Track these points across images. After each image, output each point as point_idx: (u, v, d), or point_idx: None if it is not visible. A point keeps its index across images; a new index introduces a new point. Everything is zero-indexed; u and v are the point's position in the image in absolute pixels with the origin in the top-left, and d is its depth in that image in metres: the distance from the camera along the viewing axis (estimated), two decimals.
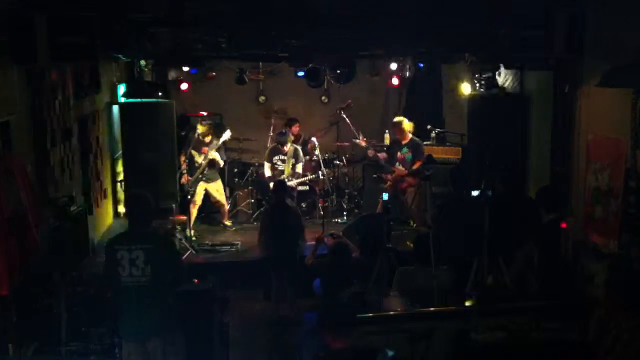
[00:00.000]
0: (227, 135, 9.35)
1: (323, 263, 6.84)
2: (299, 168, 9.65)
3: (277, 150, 9.61)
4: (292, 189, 9.29)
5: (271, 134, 10.88)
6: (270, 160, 9.65)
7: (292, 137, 9.85)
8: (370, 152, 9.39)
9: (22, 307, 5.21)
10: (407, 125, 9.13)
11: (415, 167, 9.01)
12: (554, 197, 6.07)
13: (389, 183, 9.16)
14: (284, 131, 9.79)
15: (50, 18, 5.25)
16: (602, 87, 5.72)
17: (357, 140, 9.63)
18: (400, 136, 9.13)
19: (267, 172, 9.65)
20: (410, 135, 9.13)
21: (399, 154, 9.14)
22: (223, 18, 6.42)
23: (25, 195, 5.21)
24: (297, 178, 9.55)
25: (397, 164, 9.11)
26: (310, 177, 9.74)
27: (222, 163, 9.44)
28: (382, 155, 9.40)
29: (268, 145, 10.42)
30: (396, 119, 9.37)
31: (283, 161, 9.58)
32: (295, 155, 9.62)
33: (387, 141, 10.28)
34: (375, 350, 3.85)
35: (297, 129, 10.54)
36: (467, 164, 8.76)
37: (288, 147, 9.52)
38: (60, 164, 6.63)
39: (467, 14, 6.33)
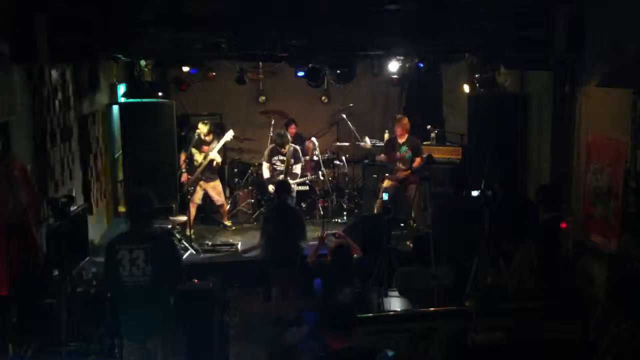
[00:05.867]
0: (229, 135, 9.35)
1: (323, 263, 6.85)
2: (298, 169, 9.64)
3: (276, 150, 9.60)
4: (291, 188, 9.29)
5: (271, 134, 10.88)
6: (269, 161, 9.64)
7: (290, 138, 9.84)
8: (379, 158, 9.39)
9: (22, 307, 5.21)
10: (405, 122, 9.15)
11: (415, 164, 9.00)
12: (553, 196, 6.07)
13: (386, 182, 9.15)
14: (282, 132, 9.79)
15: (50, 18, 5.26)
16: (602, 87, 5.72)
17: (362, 143, 9.66)
18: (399, 133, 9.12)
19: (266, 172, 9.64)
20: (406, 134, 9.13)
21: (398, 153, 9.13)
22: (223, 18, 6.42)
23: (25, 195, 5.21)
24: (295, 178, 9.55)
25: (397, 162, 9.11)
26: (310, 177, 9.74)
27: (220, 162, 9.44)
28: (380, 157, 9.40)
29: (268, 145, 10.43)
30: (399, 115, 9.37)
31: (282, 162, 9.58)
32: (295, 155, 9.61)
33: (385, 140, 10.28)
34: (375, 350, 3.85)
35: (294, 129, 10.54)
36: (467, 165, 8.76)
37: (287, 148, 9.52)
38: (60, 164, 6.63)
39: (467, 14, 6.33)
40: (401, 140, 9.13)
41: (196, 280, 5.88)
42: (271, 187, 9.16)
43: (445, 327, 4.89)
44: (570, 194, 6.45)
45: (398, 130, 9.11)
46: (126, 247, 4.69)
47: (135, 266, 4.65)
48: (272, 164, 9.63)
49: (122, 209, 9.28)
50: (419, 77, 10.53)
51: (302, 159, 9.83)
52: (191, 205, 9.13)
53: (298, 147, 9.82)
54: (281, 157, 9.58)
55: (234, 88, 10.49)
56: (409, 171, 9.01)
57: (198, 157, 9.21)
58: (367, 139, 9.35)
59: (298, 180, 9.59)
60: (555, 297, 5.73)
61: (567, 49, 5.94)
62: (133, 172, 8.20)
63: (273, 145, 9.72)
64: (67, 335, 5.34)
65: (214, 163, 9.22)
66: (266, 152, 9.74)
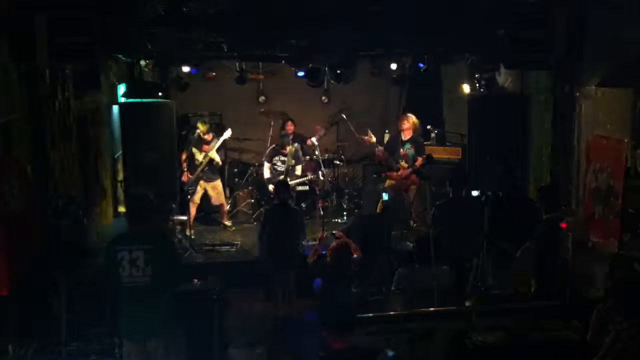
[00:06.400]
0: (227, 134, 9.36)
1: (323, 263, 6.85)
2: (299, 170, 9.64)
3: (277, 151, 9.61)
4: (291, 188, 9.29)
5: (271, 134, 10.88)
6: (270, 161, 9.65)
7: (290, 139, 9.83)
8: (379, 151, 9.37)
9: (22, 307, 5.21)
10: (415, 121, 9.12)
11: (417, 164, 8.98)
12: (553, 196, 6.07)
13: (388, 182, 9.14)
14: (285, 133, 9.78)
15: (50, 18, 5.26)
16: (602, 87, 5.72)
17: (366, 137, 9.66)
18: (405, 127, 9.08)
19: (267, 172, 9.64)
20: (411, 132, 9.11)
21: (401, 150, 9.11)
22: (223, 18, 6.42)
23: (25, 195, 5.22)
24: (295, 179, 9.55)
25: (401, 160, 9.09)
26: (309, 177, 9.74)
27: (219, 162, 9.46)
28: (379, 150, 9.36)
29: (268, 145, 10.43)
30: (407, 113, 9.32)
31: (283, 162, 9.58)
32: (296, 156, 9.61)
33: (386, 140, 10.26)
34: (375, 350, 3.85)
35: (292, 127, 10.55)
36: (467, 165, 8.76)
37: (288, 149, 9.53)
38: (60, 164, 6.63)
39: (467, 14, 6.33)
40: (405, 138, 9.11)
41: (196, 280, 5.87)
42: (271, 187, 9.16)
43: (445, 327, 4.89)
44: (570, 194, 6.46)
45: (405, 124, 9.05)
46: (126, 247, 4.67)
47: (135, 267, 4.64)
48: (272, 164, 9.63)
49: (122, 209, 9.28)
50: (418, 77, 10.52)
51: (302, 160, 9.82)
52: (191, 205, 9.13)
53: (299, 148, 9.82)
54: (282, 158, 9.59)
55: (234, 88, 10.47)
56: (410, 169, 8.97)
57: (199, 157, 9.22)
58: (369, 132, 9.35)
59: (298, 180, 9.60)
60: (555, 297, 5.74)
61: (567, 49, 5.95)
62: (133, 172, 8.19)
63: (274, 145, 9.72)
64: (67, 335, 5.34)
65: (214, 162, 9.23)
66: (267, 152, 9.76)
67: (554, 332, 4.86)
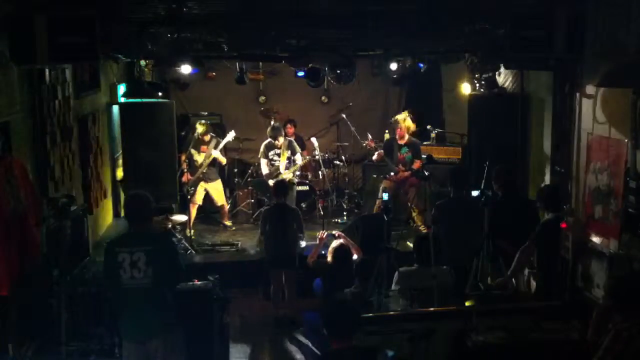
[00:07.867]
0: (231, 135, 9.37)
1: (323, 263, 6.85)
2: (299, 158, 9.62)
3: (271, 145, 9.57)
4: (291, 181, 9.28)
5: None
6: (266, 156, 9.61)
7: (282, 131, 9.78)
8: (378, 155, 9.38)
9: (22, 307, 5.21)
10: (409, 125, 9.10)
11: (415, 166, 8.98)
12: (553, 196, 6.07)
13: (385, 182, 9.14)
14: (276, 125, 9.75)
15: (50, 18, 5.25)
16: (602, 87, 5.72)
17: (365, 142, 9.66)
18: (400, 135, 9.07)
19: (265, 169, 9.61)
20: (407, 136, 9.10)
21: (399, 154, 9.11)
22: (223, 18, 6.42)
23: (25, 195, 5.21)
24: (298, 168, 9.55)
25: (399, 164, 9.09)
26: (303, 161, 9.70)
27: (224, 161, 9.47)
28: (378, 154, 9.37)
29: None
30: (399, 116, 9.28)
31: (279, 155, 9.55)
32: (291, 147, 9.59)
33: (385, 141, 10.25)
34: (375, 350, 3.85)
35: (292, 130, 10.54)
36: (467, 165, 8.76)
37: (281, 141, 9.49)
38: (60, 164, 6.64)
39: (467, 14, 6.33)
40: (402, 142, 9.10)
41: (196, 280, 5.87)
42: (271, 182, 9.14)
43: (445, 327, 4.89)
44: (570, 194, 6.46)
45: (398, 132, 9.07)
46: (127, 249, 4.63)
47: (136, 268, 4.60)
48: (269, 160, 9.61)
49: (122, 208, 9.29)
50: (418, 77, 10.53)
51: (299, 150, 9.78)
52: (191, 205, 9.14)
53: (293, 140, 9.81)
54: (277, 151, 9.56)
55: (234, 88, 10.48)
56: (409, 172, 8.97)
57: (198, 158, 9.22)
58: (369, 136, 9.36)
59: (300, 164, 9.57)
60: (555, 297, 5.73)
61: (567, 49, 5.94)
62: (133, 172, 8.20)
63: (268, 140, 9.66)
64: (67, 335, 5.34)
65: (217, 162, 9.24)
66: (262, 149, 9.68)
67: (554, 332, 4.86)
